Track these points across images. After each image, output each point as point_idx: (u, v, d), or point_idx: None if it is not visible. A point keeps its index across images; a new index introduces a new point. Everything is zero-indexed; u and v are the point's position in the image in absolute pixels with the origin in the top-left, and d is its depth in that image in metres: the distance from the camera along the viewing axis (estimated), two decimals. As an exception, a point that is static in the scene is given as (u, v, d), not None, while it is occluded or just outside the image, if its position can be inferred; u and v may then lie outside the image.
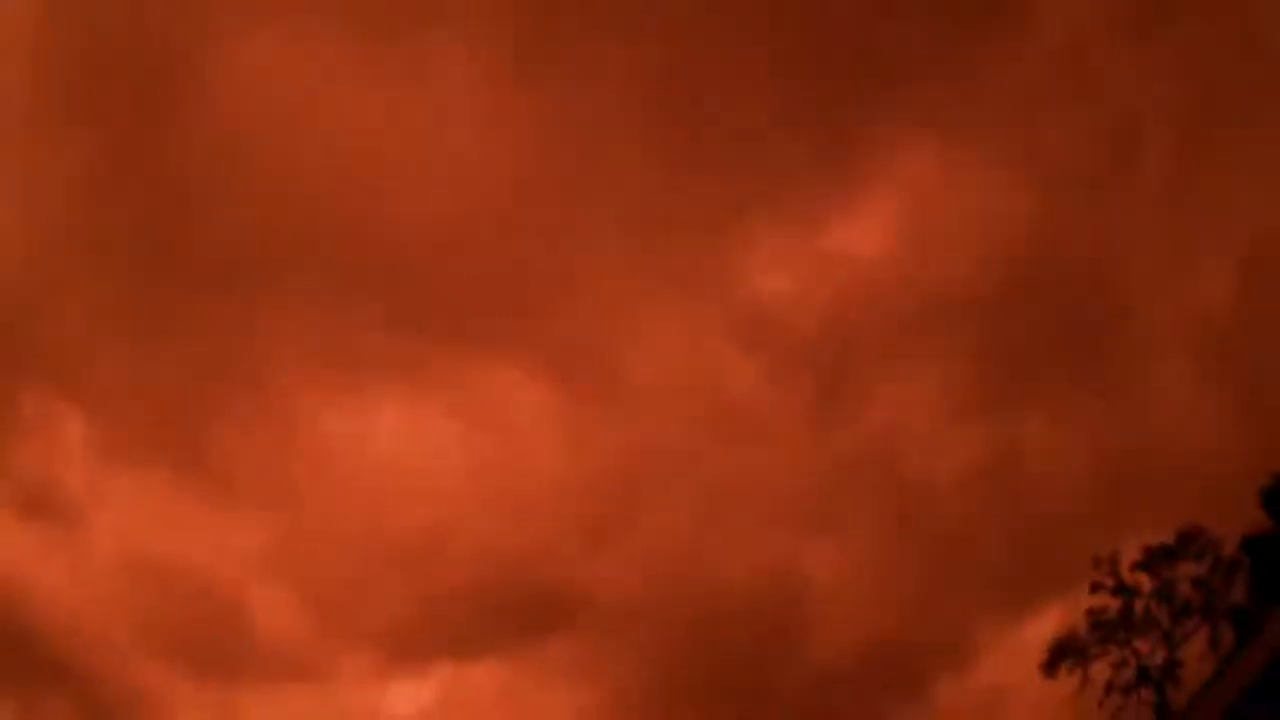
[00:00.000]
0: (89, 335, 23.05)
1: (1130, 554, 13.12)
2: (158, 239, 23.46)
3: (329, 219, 23.68)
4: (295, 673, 25.69)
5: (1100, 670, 12.85)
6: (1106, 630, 12.97)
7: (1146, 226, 20.72)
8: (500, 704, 25.68)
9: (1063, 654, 13.16)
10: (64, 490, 23.35)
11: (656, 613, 23.32)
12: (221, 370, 25.27)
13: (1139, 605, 12.90)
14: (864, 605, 21.82)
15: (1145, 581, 12.98)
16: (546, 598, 24.17)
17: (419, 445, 26.39)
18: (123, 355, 24.19)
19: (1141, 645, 12.77)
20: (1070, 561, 14.18)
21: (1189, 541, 12.79)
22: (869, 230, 23.02)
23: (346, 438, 26.04)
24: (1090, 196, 21.26)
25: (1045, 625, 15.43)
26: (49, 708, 20.77)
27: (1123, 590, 13.07)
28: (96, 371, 23.64)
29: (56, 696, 20.56)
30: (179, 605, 24.29)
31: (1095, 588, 13.17)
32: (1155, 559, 12.96)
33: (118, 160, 22.38)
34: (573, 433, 24.33)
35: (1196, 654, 12.15)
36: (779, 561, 23.35)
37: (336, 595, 25.80)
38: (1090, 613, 13.22)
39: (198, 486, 25.58)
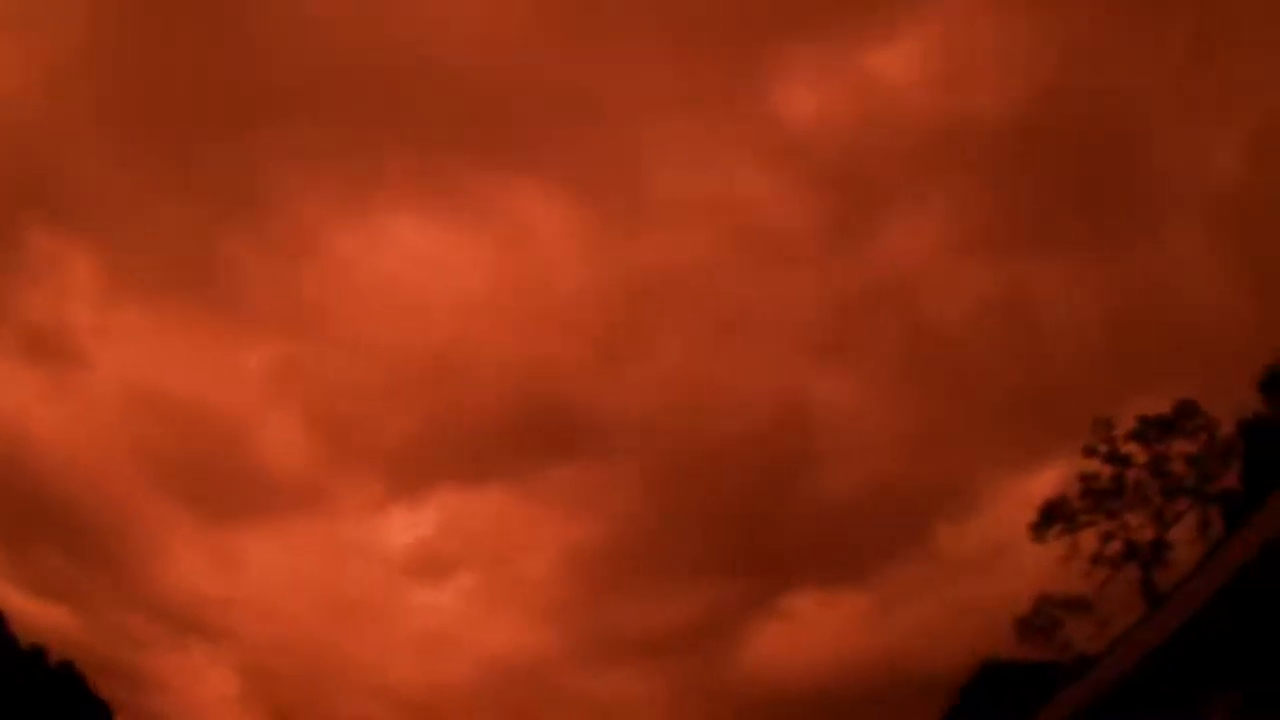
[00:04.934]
0: (98, 171, 22.41)
1: (1127, 422, 12.59)
2: (169, 70, 22.56)
3: (344, 35, 22.69)
4: (297, 504, 25.53)
5: (1088, 539, 12.46)
6: (1097, 498, 12.49)
7: (1169, 87, 19.74)
8: (499, 532, 25.41)
9: (1052, 517, 12.70)
10: (71, 330, 22.90)
11: (663, 438, 22.95)
12: (234, 197, 24.56)
13: (1131, 476, 12.43)
14: (871, 440, 21.53)
15: (1139, 452, 12.48)
16: (555, 420, 23.76)
17: (433, 261, 25.82)
18: (133, 189, 23.49)
19: (1131, 519, 12.30)
20: (1074, 417, 13.69)
21: (1185, 417, 12.21)
22: (901, 58, 22.20)
23: (359, 255, 25.39)
24: (1118, 50, 20.27)
25: (1049, 480, 14.96)
26: (46, 551, 20.44)
27: (1116, 459, 12.56)
28: (106, 207, 23.00)
29: (55, 539, 20.19)
30: (184, 439, 24.02)
31: (1089, 452, 12.64)
32: (1150, 430, 12.42)
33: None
34: (591, 248, 23.67)
35: (1186, 537, 11.76)
36: (789, 389, 22.90)
37: (343, 420, 25.47)
38: (1083, 478, 12.72)
39: (207, 316, 25.16)
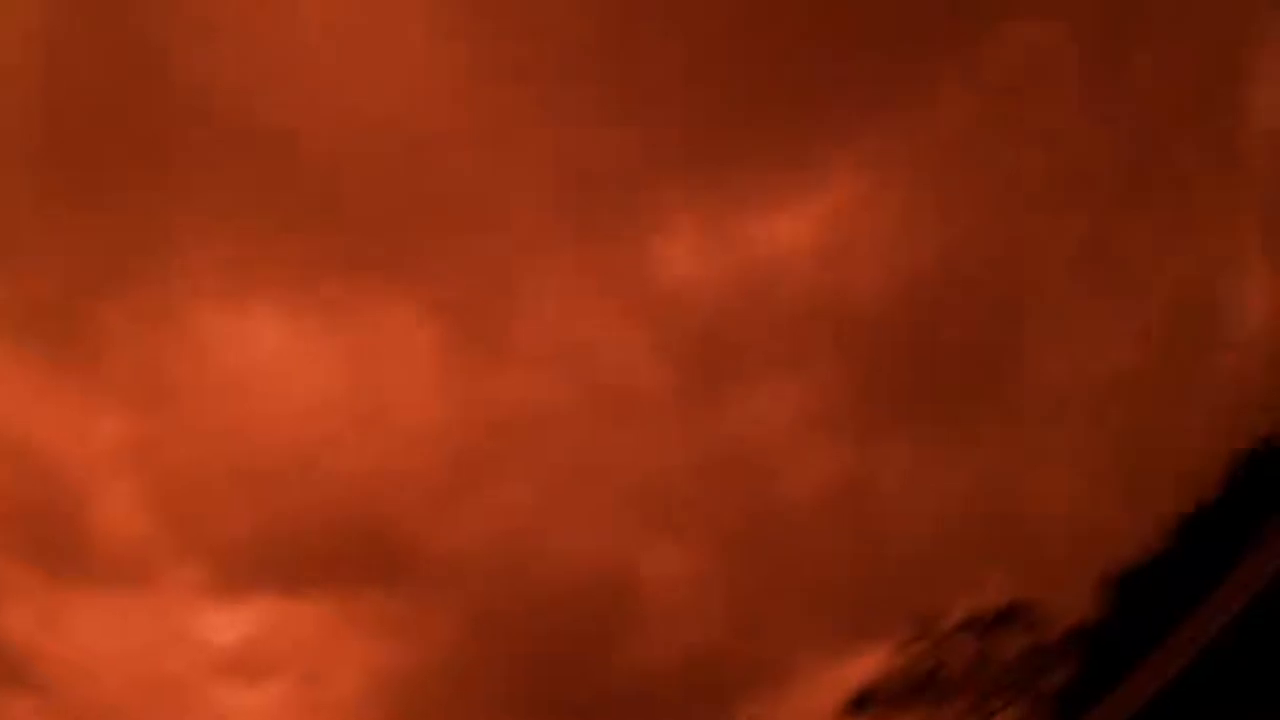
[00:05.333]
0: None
1: (959, 612, 11.84)
2: (76, 115, 21.68)
3: (251, 128, 21.90)
4: (127, 578, 23.72)
5: (903, 729, 11.53)
6: (916, 688, 11.63)
7: (1059, 280, 19.56)
8: (313, 646, 23.90)
9: (865, 704, 11.83)
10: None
11: (488, 579, 22.11)
12: (117, 258, 23.44)
13: (954, 669, 11.57)
14: (695, 609, 20.79)
15: (965, 645, 11.66)
16: (384, 543, 22.70)
17: (297, 361, 24.81)
18: (22, 227, 22.47)
19: (949, 712, 11.45)
20: (906, 605, 12.84)
21: (1019, 613, 11.56)
22: (786, 229, 21.72)
23: (223, 342, 24.29)
24: (1013, 242, 20.17)
25: (869, 666, 14.24)
26: None
27: (940, 650, 11.74)
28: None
29: None
30: (29, 489, 22.44)
31: (913, 640, 11.84)
32: (980, 623, 11.67)
33: (40, 48, 20.60)
34: (450, 377, 22.95)
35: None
36: (621, 548, 22.25)
37: (181, 505, 23.99)
38: (904, 666, 11.86)
39: (71, 372, 23.61)
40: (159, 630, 24.83)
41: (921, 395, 20.37)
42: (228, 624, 25.36)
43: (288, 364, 25.40)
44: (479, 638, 22.99)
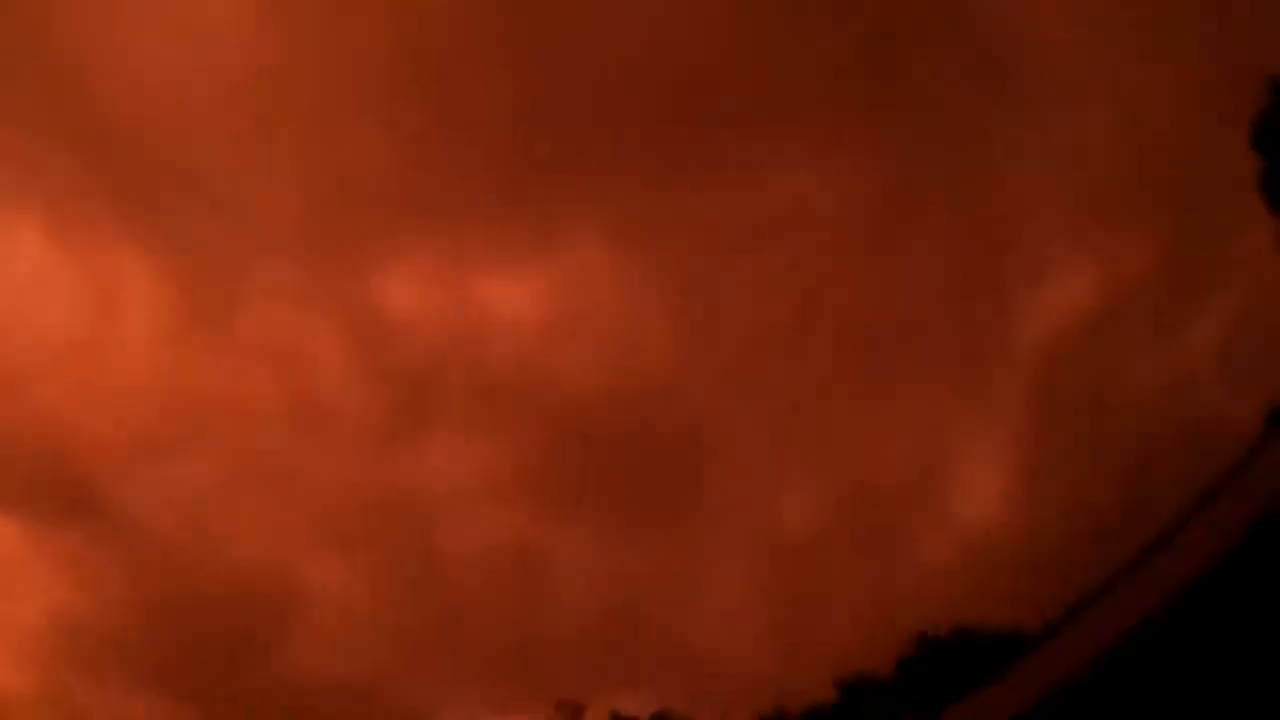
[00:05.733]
0: None
1: (604, 708, 11.96)
2: None
3: (51, 61, 22.08)
4: None
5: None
6: None
7: (763, 428, 20.61)
8: (9, 564, 25.20)
9: None
10: None
11: (162, 547, 22.46)
12: None
13: None
14: (349, 635, 21.21)
15: None
16: (76, 483, 23.17)
17: (43, 293, 25.30)
18: None
19: None
20: (551, 687, 13.17)
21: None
22: (515, 295, 22.66)
23: None
24: (738, 375, 21.02)
25: None
26: None
27: None
28: None
29: None
30: None
31: None
32: None
33: None
34: (172, 349, 23.43)
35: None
36: (289, 552, 22.86)
37: None
38: None
39: None
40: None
41: (610, 492, 21.02)
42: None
43: (35, 292, 25.16)
44: (146, 603, 22.82)
